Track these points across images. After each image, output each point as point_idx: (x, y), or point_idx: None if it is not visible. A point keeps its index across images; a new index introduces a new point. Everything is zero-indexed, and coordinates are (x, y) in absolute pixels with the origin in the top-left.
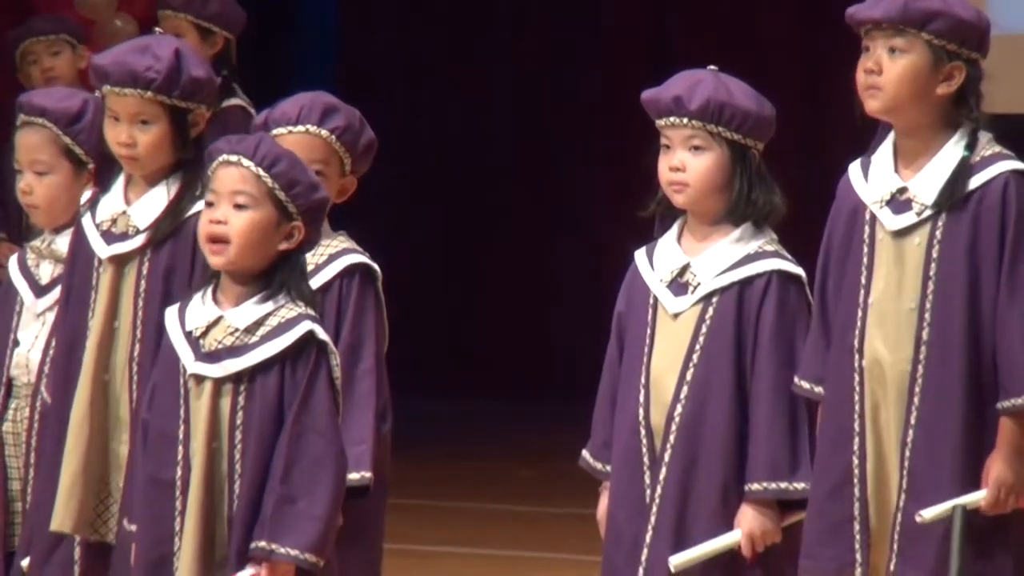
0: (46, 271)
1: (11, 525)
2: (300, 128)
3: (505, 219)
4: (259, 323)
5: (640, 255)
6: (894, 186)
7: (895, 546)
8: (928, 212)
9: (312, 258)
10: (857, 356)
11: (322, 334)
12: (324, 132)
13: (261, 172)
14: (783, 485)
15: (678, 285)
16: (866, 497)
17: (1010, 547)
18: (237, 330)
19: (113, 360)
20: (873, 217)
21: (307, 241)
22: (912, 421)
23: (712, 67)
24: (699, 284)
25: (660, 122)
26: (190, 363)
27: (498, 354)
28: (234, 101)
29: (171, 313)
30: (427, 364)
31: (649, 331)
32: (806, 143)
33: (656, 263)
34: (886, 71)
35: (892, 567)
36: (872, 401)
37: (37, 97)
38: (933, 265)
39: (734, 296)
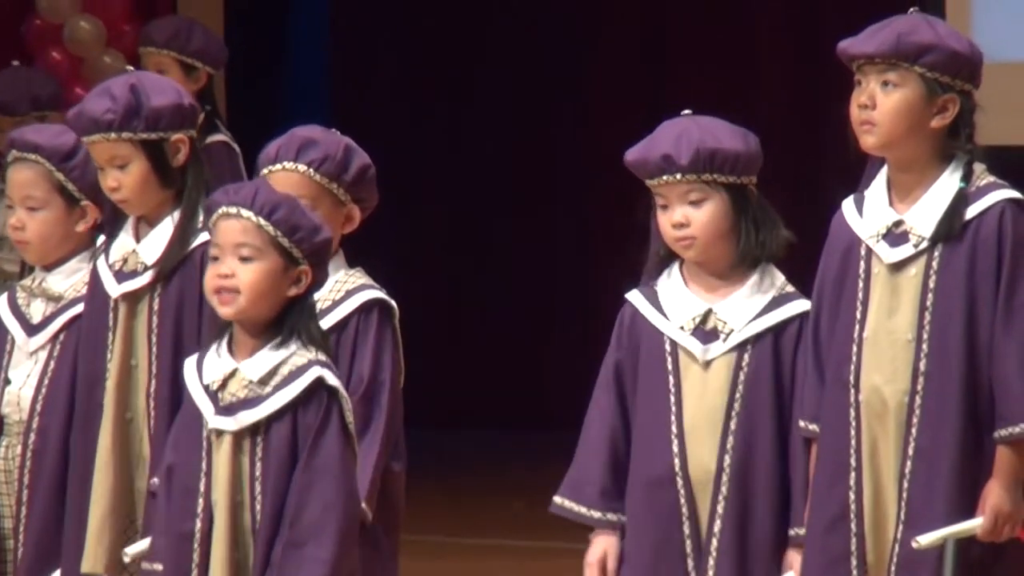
0: (37, 310)
1: (2, 563)
2: (278, 167)
3: (503, 254)
4: (272, 373)
5: (641, 302)
6: (890, 219)
7: None
8: (925, 244)
9: (329, 294)
10: (853, 391)
11: (332, 379)
12: (302, 167)
13: (262, 221)
14: None
15: (704, 332)
16: (863, 532)
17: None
18: (251, 382)
19: (133, 399)
20: (868, 252)
21: (315, 283)
22: (910, 452)
23: (686, 111)
24: (731, 331)
25: (652, 182)
26: (210, 417)
27: (491, 387)
28: (218, 137)
29: (190, 365)
30: (424, 396)
31: (672, 380)
32: (800, 179)
33: (668, 310)
34: (880, 105)
35: None
36: (870, 436)
37: (30, 133)
38: (930, 296)
39: (769, 342)
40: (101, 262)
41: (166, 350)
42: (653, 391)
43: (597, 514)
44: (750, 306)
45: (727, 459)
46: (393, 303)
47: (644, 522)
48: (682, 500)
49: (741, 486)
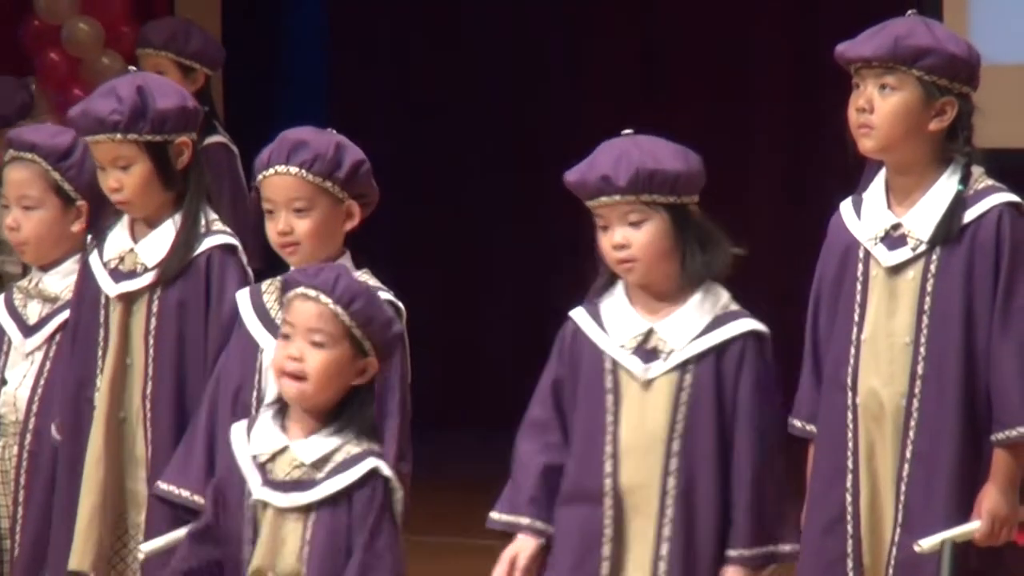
0: (34, 310)
1: (0, 563)
2: (271, 171)
3: (503, 254)
4: (326, 459)
5: (584, 319)
6: (888, 222)
7: None
8: (923, 247)
9: None
10: (850, 393)
11: (386, 470)
12: (294, 169)
13: (339, 310)
14: (771, 548)
15: (645, 351)
16: (859, 534)
17: None
18: (304, 464)
19: (127, 398)
20: (866, 255)
21: (378, 375)
22: (907, 455)
23: (627, 131)
24: (672, 351)
25: (592, 203)
26: (256, 488)
27: (491, 387)
28: (215, 138)
29: (239, 432)
30: (424, 396)
31: (611, 399)
32: (798, 180)
33: (610, 328)
34: (878, 109)
35: None
36: (867, 439)
37: (27, 132)
38: (928, 299)
39: (712, 362)
40: (94, 259)
41: (165, 352)
42: (591, 409)
43: (525, 520)
44: (692, 325)
45: (671, 481)
46: (401, 305)
47: (568, 538)
48: (607, 520)
49: (686, 507)
